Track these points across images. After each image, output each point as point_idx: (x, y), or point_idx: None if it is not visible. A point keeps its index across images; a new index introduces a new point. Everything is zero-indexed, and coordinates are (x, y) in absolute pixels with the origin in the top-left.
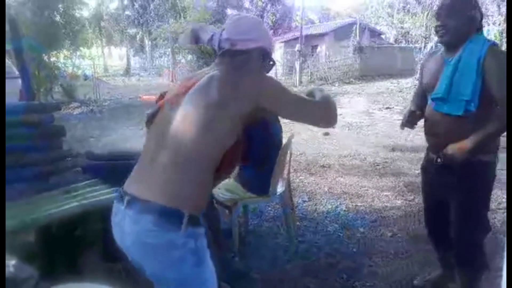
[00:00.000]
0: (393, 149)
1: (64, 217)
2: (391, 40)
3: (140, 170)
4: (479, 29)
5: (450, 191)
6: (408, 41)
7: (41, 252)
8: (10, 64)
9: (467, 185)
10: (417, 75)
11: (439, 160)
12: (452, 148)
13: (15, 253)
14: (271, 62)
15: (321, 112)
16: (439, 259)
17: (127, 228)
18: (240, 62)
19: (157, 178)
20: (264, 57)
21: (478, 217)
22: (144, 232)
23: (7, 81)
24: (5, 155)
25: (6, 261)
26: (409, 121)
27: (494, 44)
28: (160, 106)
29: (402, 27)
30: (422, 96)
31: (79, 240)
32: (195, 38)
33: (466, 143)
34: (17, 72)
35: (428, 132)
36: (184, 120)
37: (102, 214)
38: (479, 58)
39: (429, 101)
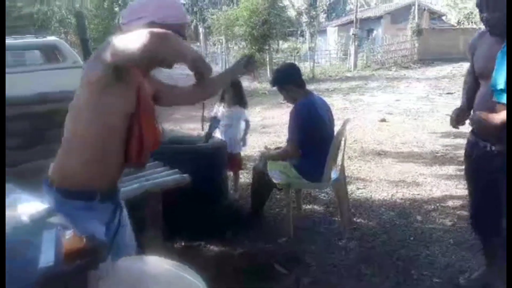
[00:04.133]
0: (455, 136)
1: (127, 198)
2: (453, 22)
3: None
4: None
5: (501, 178)
6: (472, 22)
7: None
8: (76, 54)
9: None
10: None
11: (493, 148)
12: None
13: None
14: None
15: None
16: (485, 253)
17: None
18: None
19: (55, 160)
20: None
21: None
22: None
23: (74, 70)
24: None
25: (82, 235)
26: (458, 120)
27: None
28: None
29: (465, 7)
30: (474, 84)
31: (140, 219)
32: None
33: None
34: (82, 62)
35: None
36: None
37: (162, 195)
38: None
39: (484, 89)
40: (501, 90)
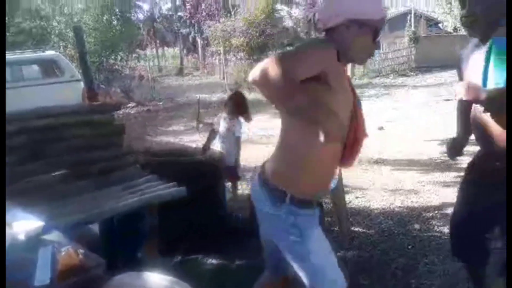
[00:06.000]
0: None
1: (125, 211)
2: (449, 29)
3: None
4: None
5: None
6: None
7: (104, 243)
8: (74, 68)
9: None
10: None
11: (497, 163)
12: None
13: (82, 244)
14: (370, 30)
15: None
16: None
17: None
18: (335, 40)
19: (273, 163)
20: (360, 27)
21: None
22: (263, 202)
23: (72, 84)
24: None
25: (77, 250)
26: (455, 151)
27: None
28: None
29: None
30: (466, 107)
31: (137, 233)
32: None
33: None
34: (79, 76)
35: (475, 136)
36: None
37: (159, 208)
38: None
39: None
40: None
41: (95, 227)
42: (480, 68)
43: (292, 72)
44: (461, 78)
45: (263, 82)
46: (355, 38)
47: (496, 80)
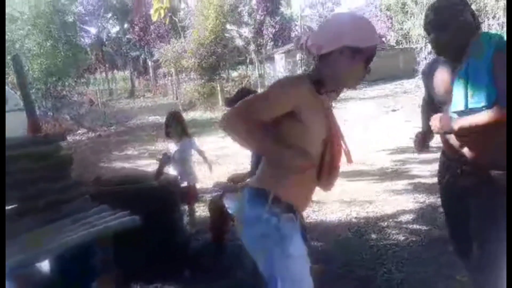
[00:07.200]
0: (402, 152)
1: (75, 246)
2: (392, 42)
3: None
4: (478, 27)
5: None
6: (409, 41)
7: (55, 281)
8: (17, 97)
9: (485, 200)
10: (420, 78)
11: (458, 171)
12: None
13: (27, 287)
14: (364, 57)
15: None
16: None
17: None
18: (327, 66)
19: (258, 170)
20: (355, 53)
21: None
22: (243, 207)
23: (15, 113)
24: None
25: None
26: (421, 144)
27: (500, 39)
28: None
29: (401, 29)
30: (431, 109)
31: (91, 268)
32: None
33: (452, 123)
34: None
35: (451, 145)
36: None
37: (113, 239)
38: (487, 61)
39: (448, 114)
40: (459, 112)
41: (45, 265)
42: (458, 90)
43: (258, 115)
44: (429, 91)
45: (231, 129)
46: (349, 64)
47: (477, 99)
